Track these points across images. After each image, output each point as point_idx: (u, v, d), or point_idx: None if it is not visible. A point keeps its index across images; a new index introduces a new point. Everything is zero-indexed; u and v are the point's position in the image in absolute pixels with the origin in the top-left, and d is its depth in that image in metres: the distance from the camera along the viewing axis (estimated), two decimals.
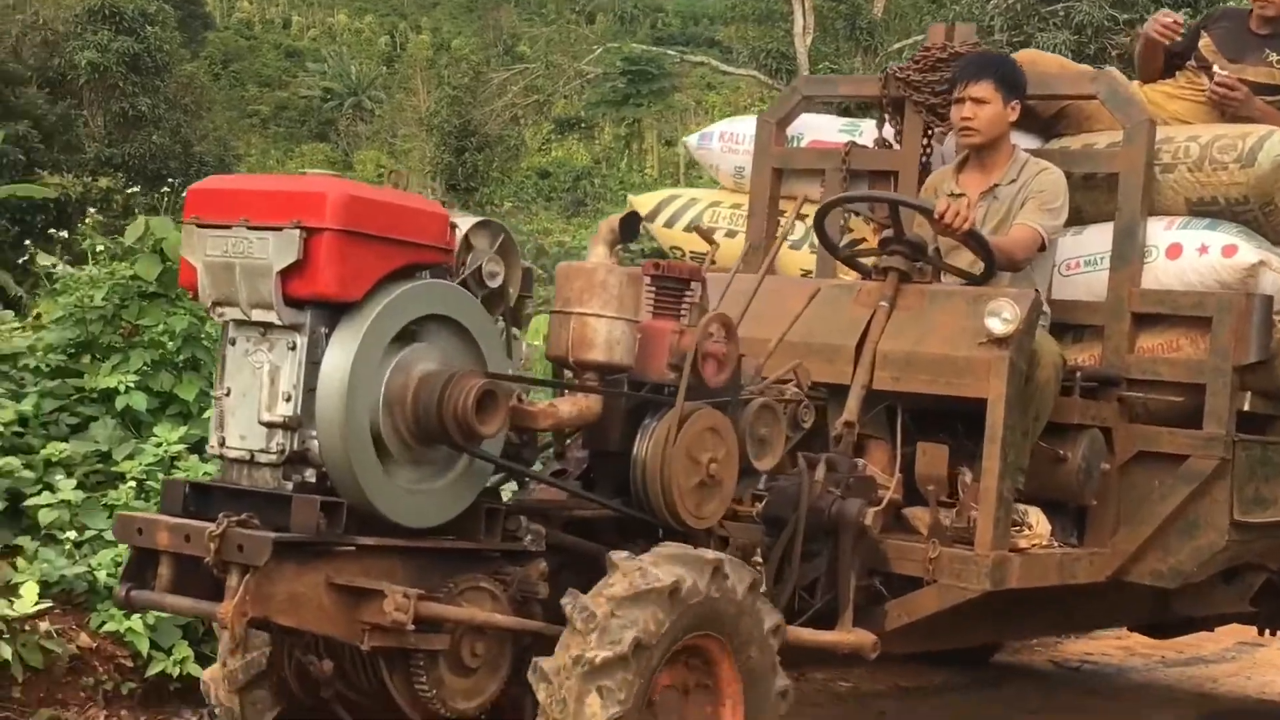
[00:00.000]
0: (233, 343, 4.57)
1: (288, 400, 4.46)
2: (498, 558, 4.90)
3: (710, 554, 4.87)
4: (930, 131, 7.16)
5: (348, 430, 4.37)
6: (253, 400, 4.50)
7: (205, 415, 7.00)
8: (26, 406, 7.12)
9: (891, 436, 6.35)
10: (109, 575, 6.30)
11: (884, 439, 6.40)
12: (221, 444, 4.60)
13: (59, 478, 6.73)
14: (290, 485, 4.47)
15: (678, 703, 4.91)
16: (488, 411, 4.54)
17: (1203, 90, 7.20)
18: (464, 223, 4.86)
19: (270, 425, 4.47)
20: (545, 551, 4.97)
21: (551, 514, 5.18)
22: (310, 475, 4.49)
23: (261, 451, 4.50)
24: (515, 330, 5.06)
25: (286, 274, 4.40)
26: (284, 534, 4.33)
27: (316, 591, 4.44)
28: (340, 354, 4.39)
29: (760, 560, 5.80)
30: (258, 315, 4.46)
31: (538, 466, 5.40)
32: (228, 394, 4.58)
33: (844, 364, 6.26)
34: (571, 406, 5.09)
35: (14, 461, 6.72)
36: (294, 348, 4.46)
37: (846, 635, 5.73)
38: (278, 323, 4.43)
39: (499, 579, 4.85)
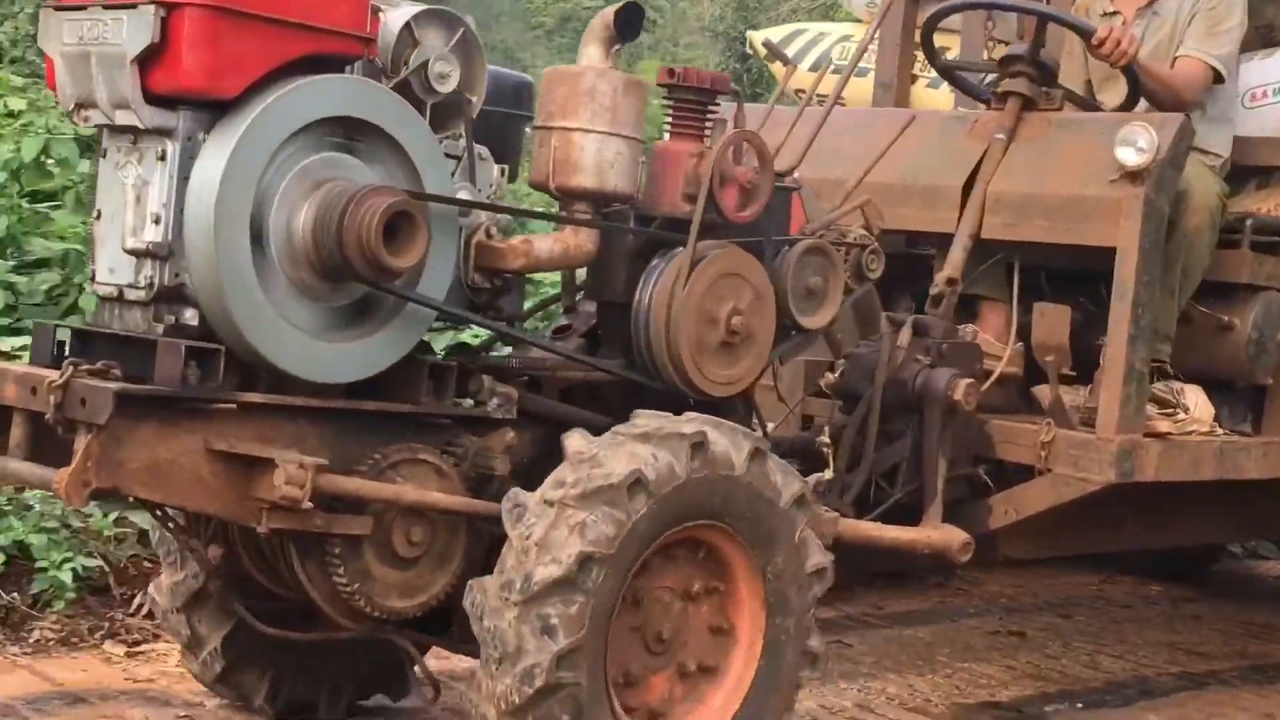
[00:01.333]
0: (104, 155, 3.74)
1: (157, 223, 3.61)
2: (450, 426, 4.00)
3: (688, 423, 3.89)
4: None
5: (217, 258, 3.50)
6: (119, 224, 3.67)
7: None
8: None
9: (1010, 298, 5.26)
10: None
11: (1002, 301, 5.32)
12: (92, 278, 3.78)
13: None
14: (160, 328, 3.62)
15: (678, 610, 3.96)
16: (402, 239, 3.62)
17: None
18: (402, 11, 3.93)
19: (136, 254, 3.63)
20: (515, 420, 4.05)
21: (543, 378, 4.26)
22: (190, 316, 3.64)
23: (130, 286, 3.67)
24: (483, 151, 4.12)
25: (145, 64, 3.54)
26: (132, 386, 3.49)
27: (191, 460, 3.59)
28: (212, 163, 3.52)
29: (828, 441, 4.82)
30: (121, 118, 3.61)
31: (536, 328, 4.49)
32: (98, 217, 3.74)
33: (948, 209, 5.19)
34: (553, 244, 4.14)
35: None
36: (163, 158, 3.61)
37: (928, 532, 4.69)
38: (141, 126, 3.58)
39: (449, 451, 3.95)
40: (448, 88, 3.95)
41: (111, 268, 3.71)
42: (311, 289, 3.66)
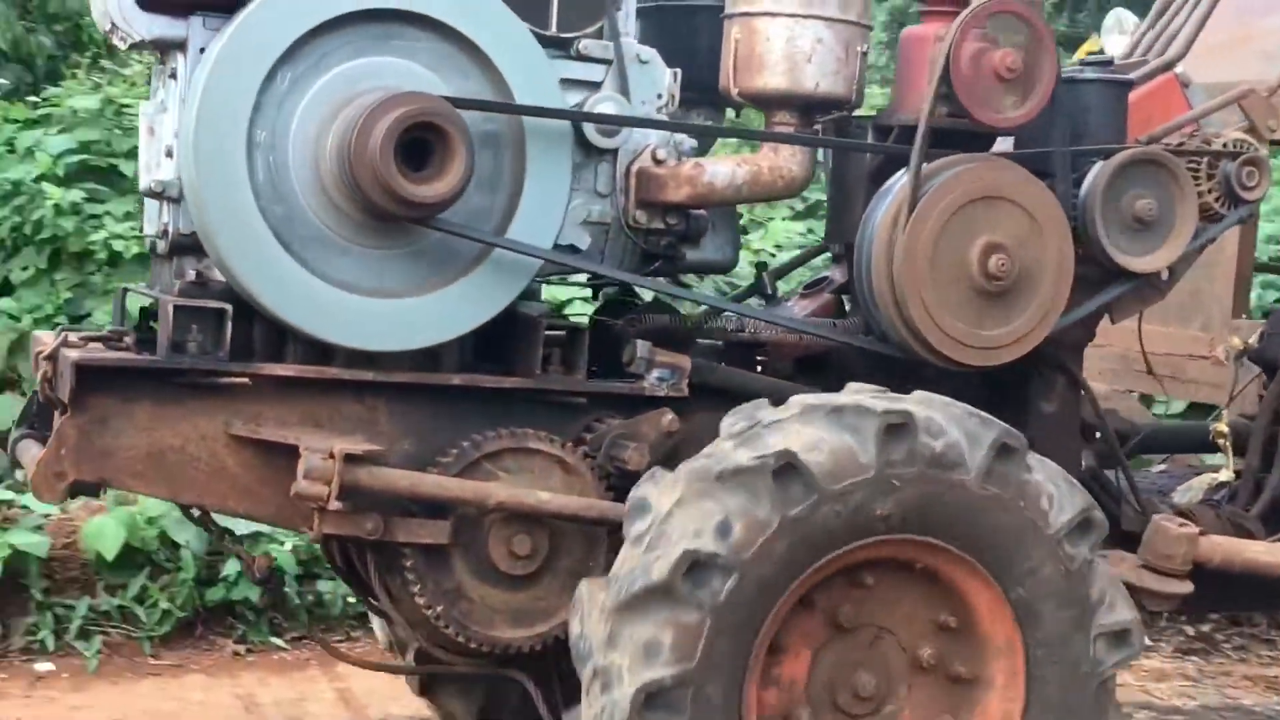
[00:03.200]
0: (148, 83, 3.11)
1: (169, 156, 2.94)
2: (588, 406, 3.09)
3: (896, 399, 2.81)
4: None
5: (200, 189, 2.78)
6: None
7: None
8: None
9: None
10: None
11: None
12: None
13: None
14: (178, 285, 2.94)
15: (888, 655, 2.91)
16: (434, 160, 2.78)
17: None
18: None
19: (152, 195, 2.97)
20: (684, 398, 3.09)
21: (766, 344, 3.29)
22: (212, 268, 2.94)
23: (156, 237, 3.03)
24: (643, 53, 3.19)
25: None
26: (98, 355, 2.82)
27: (209, 448, 2.89)
28: (202, 75, 2.81)
29: (1225, 430, 3.57)
30: (123, 28, 2.95)
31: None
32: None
33: None
34: (736, 167, 3.16)
35: None
36: (175, 77, 2.93)
37: None
38: (135, 37, 2.92)
39: (578, 439, 3.05)
40: None
41: (149, 216, 3.08)
42: (351, 230, 2.87)
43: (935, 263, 3.05)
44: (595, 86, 3.13)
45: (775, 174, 3.16)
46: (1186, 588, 3.26)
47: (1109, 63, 3.39)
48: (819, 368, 3.34)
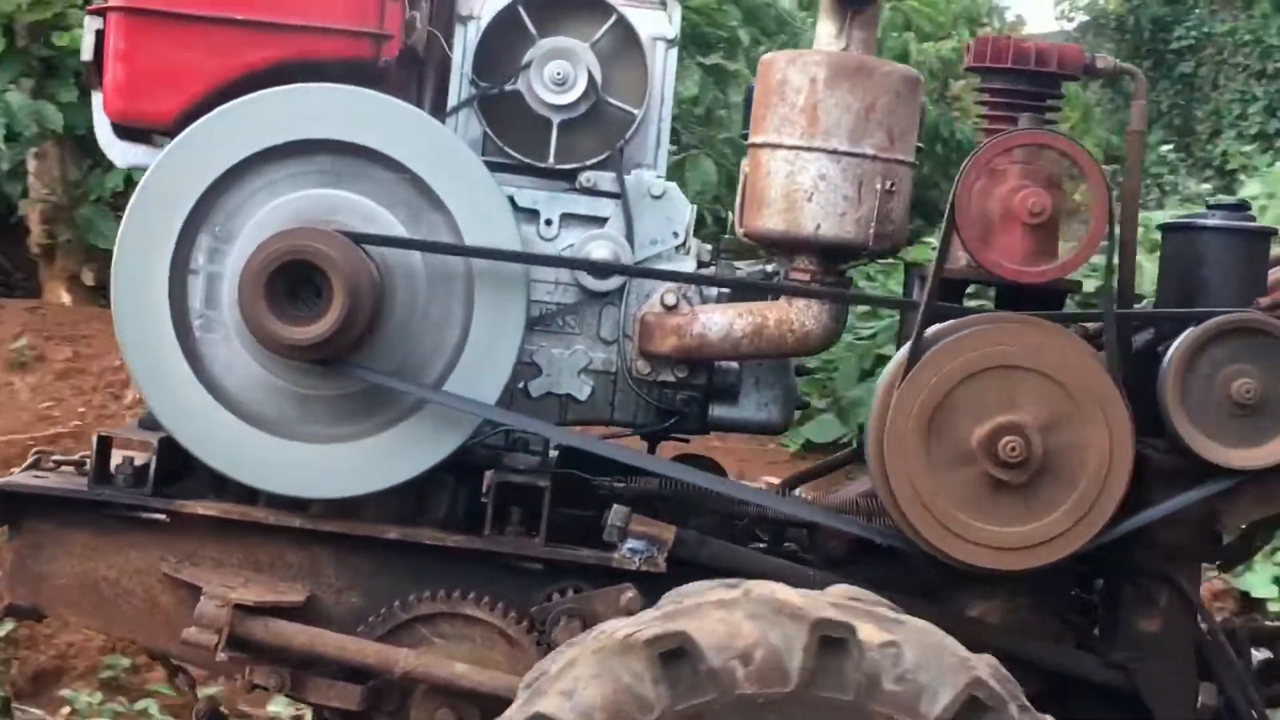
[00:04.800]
0: None
1: None
2: (549, 573, 2.80)
3: (812, 601, 2.38)
4: None
5: (121, 322, 2.73)
6: None
7: None
8: None
9: None
10: None
11: None
12: None
13: None
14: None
15: None
16: (313, 297, 2.60)
17: None
18: None
19: None
20: (661, 573, 2.74)
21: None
22: None
23: None
24: (665, 188, 2.85)
25: (109, 91, 2.85)
26: (25, 483, 2.82)
27: (144, 583, 2.82)
28: (131, 202, 2.76)
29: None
30: (108, 155, 2.96)
31: None
32: None
33: None
34: (736, 318, 2.78)
35: None
36: None
37: None
38: (117, 164, 2.94)
39: (519, 609, 2.76)
40: (569, 96, 2.80)
41: None
42: (278, 368, 2.72)
43: (931, 443, 2.56)
44: (601, 222, 2.85)
45: (783, 328, 2.76)
46: None
47: (1242, 207, 2.75)
48: (874, 549, 2.88)
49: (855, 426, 5.74)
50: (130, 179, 5.73)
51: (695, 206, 2.88)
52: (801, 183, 2.67)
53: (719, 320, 2.78)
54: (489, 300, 2.71)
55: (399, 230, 2.69)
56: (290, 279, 2.60)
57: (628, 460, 2.81)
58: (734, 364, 2.88)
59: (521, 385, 2.86)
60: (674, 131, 2.95)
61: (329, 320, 2.58)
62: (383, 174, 2.71)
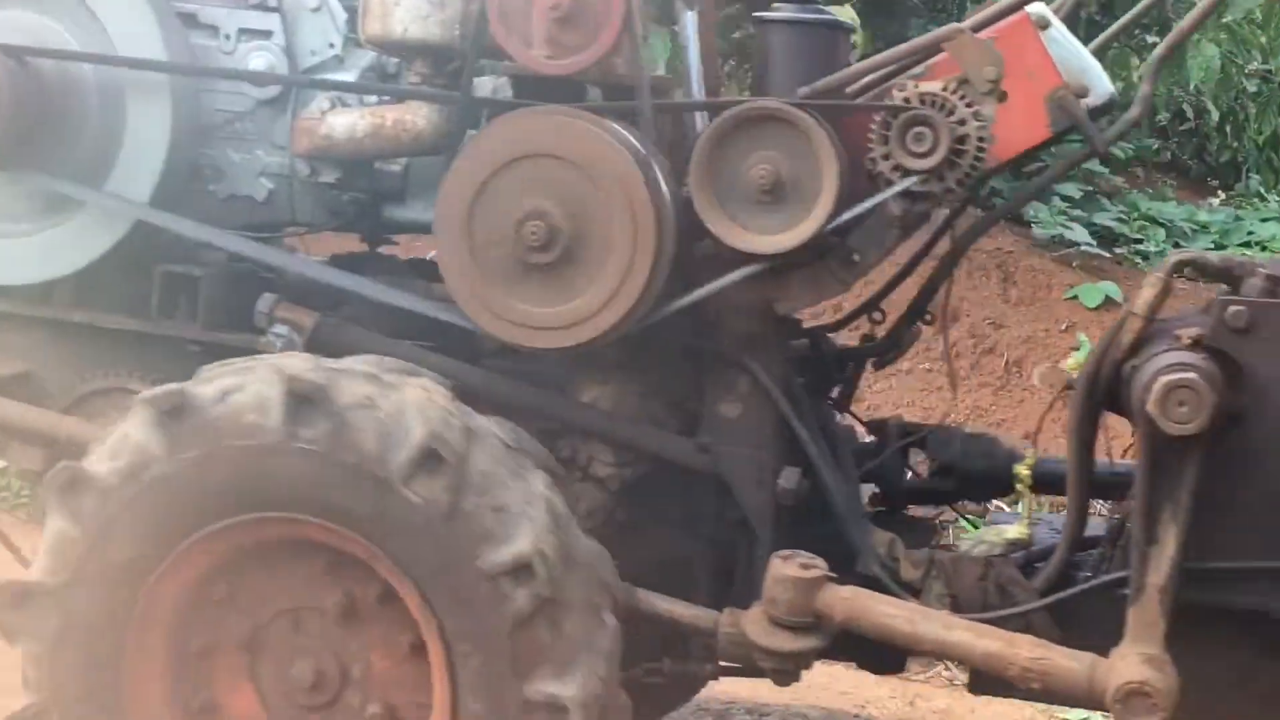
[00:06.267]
0: None
1: None
2: (205, 354, 3.08)
3: (305, 364, 2.65)
4: None
5: None
6: None
7: None
8: None
9: None
10: None
11: None
12: None
13: None
14: None
15: None
16: None
17: None
18: None
19: None
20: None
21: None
22: None
23: None
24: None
25: None
26: None
27: None
28: None
29: (1024, 476, 2.93)
30: None
31: None
32: None
33: None
34: (358, 120, 3.00)
35: None
36: None
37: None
38: None
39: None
40: None
41: None
42: None
43: (472, 230, 2.74)
44: (268, 35, 3.10)
45: (399, 127, 2.96)
46: (809, 644, 2.68)
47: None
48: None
49: None
50: None
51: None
52: None
53: (343, 121, 3.00)
54: (137, 108, 3.01)
55: (69, 43, 3.03)
56: None
57: (273, 261, 3.07)
58: (396, 166, 3.10)
59: (211, 189, 3.16)
60: None
61: None
62: None
